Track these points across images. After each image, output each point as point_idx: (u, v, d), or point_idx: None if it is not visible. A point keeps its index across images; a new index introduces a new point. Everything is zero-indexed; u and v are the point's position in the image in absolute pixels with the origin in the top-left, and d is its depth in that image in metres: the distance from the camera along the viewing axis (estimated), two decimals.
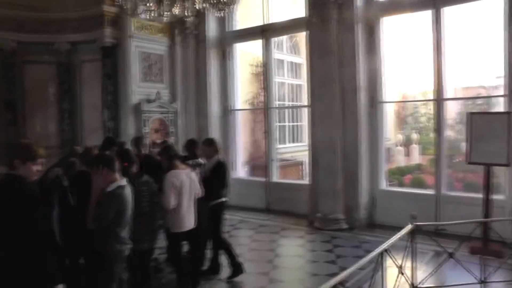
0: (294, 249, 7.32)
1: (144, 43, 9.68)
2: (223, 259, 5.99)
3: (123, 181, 3.89)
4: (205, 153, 5.99)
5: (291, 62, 17.07)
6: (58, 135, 10.25)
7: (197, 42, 10.44)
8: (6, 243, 2.93)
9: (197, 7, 5.39)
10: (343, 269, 5.78)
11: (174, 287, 5.32)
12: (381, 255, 3.68)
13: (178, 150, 5.12)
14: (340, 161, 8.23)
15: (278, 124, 11.83)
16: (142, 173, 4.69)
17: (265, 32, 9.83)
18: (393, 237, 4.00)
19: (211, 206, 5.68)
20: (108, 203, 3.71)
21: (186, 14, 5.32)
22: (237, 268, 5.82)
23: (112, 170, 3.84)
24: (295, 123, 17.08)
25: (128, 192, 3.90)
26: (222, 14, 5.96)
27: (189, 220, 5.05)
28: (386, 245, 3.78)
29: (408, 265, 4.29)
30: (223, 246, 5.94)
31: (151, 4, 4.77)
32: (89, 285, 2.97)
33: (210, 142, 6.05)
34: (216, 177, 5.81)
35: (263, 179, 9.97)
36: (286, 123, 16.50)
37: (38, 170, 3.16)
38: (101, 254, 3.78)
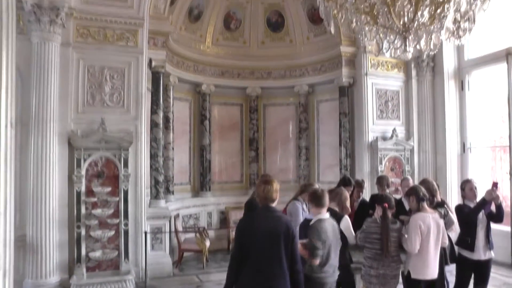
0: None
1: (379, 80, 9.64)
2: None
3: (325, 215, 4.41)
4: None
5: None
6: (295, 170, 10.97)
7: (433, 74, 9.93)
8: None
9: (442, 39, 5.16)
10: None
11: None
12: None
13: (424, 192, 4.86)
14: None
15: None
16: (396, 219, 4.77)
17: (510, 55, 8.70)
18: None
19: None
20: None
21: (430, 47, 5.12)
22: None
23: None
24: None
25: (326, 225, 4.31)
26: (460, 42, 5.53)
27: (433, 268, 4.72)
28: None
29: None
30: None
31: (396, 42, 4.75)
32: None
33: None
34: None
35: (507, 228, 8.53)
36: None
37: None
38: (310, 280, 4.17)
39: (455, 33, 5.14)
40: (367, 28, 5.00)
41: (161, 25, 8.26)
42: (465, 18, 4.94)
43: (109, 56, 7.20)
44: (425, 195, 4.80)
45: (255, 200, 6.49)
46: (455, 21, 4.93)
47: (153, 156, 8.33)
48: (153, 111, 8.39)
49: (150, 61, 8.16)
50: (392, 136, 9.46)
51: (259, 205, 4.03)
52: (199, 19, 10.20)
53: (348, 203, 5.24)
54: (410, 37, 4.77)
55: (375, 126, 9.53)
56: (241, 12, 10.69)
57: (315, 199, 4.48)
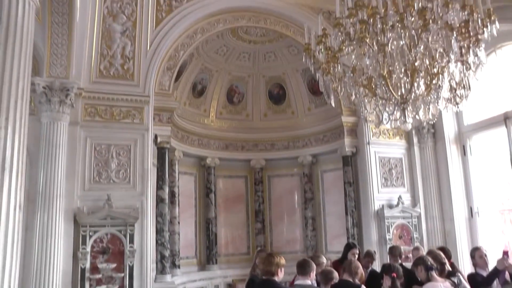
0: None
1: (382, 148, 9.71)
2: None
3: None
4: None
5: None
6: (302, 241, 10.83)
7: (434, 141, 10.00)
8: None
9: (440, 109, 5.28)
10: None
11: None
12: None
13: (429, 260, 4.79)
14: None
15: None
16: None
17: (508, 119, 8.85)
18: None
19: None
20: None
21: (430, 117, 5.24)
22: None
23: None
24: None
25: None
26: (458, 109, 5.65)
27: None
28: None
29: None
30: None
31: (395, 113, 4.86)
32: None
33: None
34: None
35: None
36: None
37: None
38: None
39: (452, 100, 5.28)
40: (366, 100, 5.14)
41: (166, 101, 8.51)
42: (460, 86, 5.08)
43: (115, 134, 7.37)
44: (433, 264, 4.72)
45: (255, 277, 6.44)
46: (451, 88, 5.07)
47: (159, 231, 8.29)
48: (159, 187, 8.45)
49: (156, 137, 8.33)
50: (398, 204, 9.38)
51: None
52: (202, 94, 10.52)
53: (360, 271, 5.10)
54: (408, 108, 4.91)
55: (380, 194, 9.47)
56: (243, 85, 11.04)
57: (297, 267, 4.69)
